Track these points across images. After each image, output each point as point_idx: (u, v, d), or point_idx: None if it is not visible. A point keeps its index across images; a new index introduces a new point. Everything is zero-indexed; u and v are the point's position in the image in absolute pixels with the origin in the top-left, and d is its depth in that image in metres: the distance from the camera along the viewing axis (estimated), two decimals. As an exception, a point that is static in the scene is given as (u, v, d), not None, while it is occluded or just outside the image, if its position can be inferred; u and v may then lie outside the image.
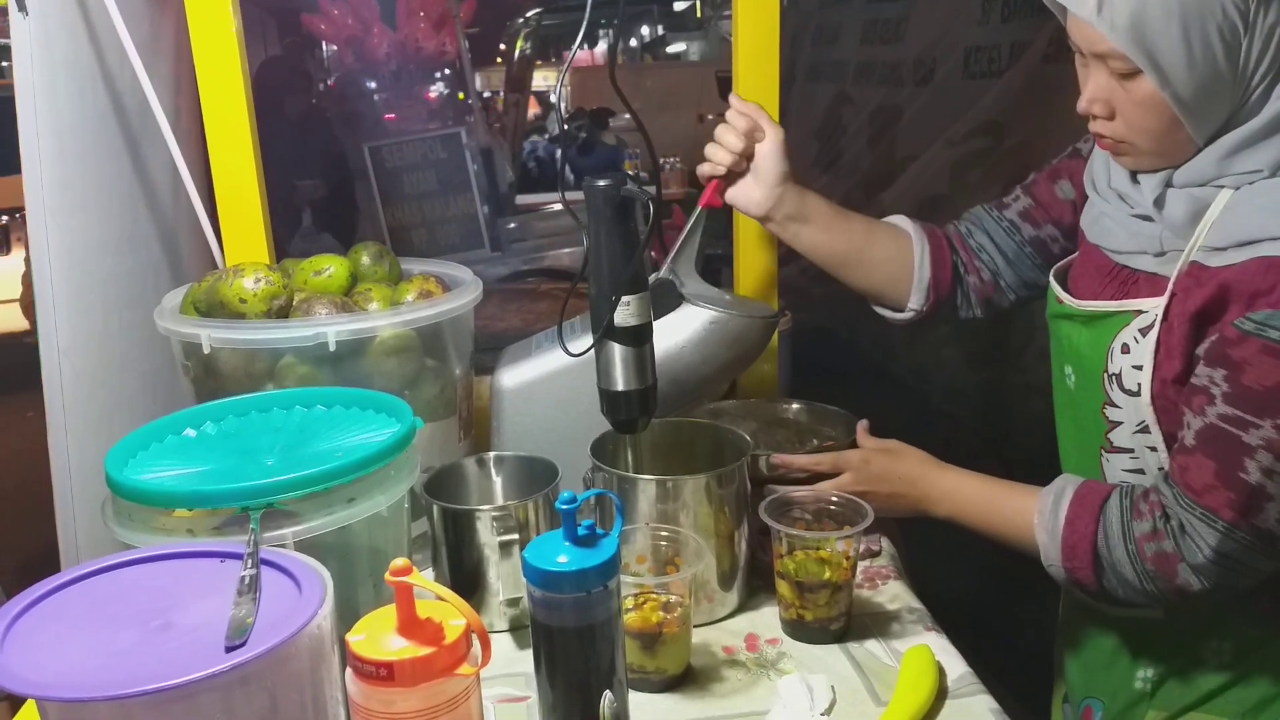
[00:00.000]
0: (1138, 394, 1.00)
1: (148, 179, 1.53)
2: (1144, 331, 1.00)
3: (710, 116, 8.80)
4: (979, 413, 2.51)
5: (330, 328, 1.14)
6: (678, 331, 1.21)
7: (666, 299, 1.21)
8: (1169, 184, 0.99)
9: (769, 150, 1.23)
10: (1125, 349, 1.01)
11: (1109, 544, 0.99)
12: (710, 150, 1.25)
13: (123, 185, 1.47)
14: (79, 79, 1.35)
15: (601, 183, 0.97)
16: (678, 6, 12.61)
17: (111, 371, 1.38)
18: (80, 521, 1.30)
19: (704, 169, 1.26)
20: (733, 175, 1.25)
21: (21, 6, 1.21)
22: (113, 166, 1.44)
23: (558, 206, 4.56)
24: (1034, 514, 1.04)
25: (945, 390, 2.68)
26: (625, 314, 1.00)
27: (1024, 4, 2.35)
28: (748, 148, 1.23)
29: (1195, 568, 0.95)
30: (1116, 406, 1.04)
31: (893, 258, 1.26)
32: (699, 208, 1.27)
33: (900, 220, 1.30)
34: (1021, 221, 1.24)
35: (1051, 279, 1.15)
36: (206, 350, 1.14)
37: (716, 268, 1.97)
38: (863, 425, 1.25)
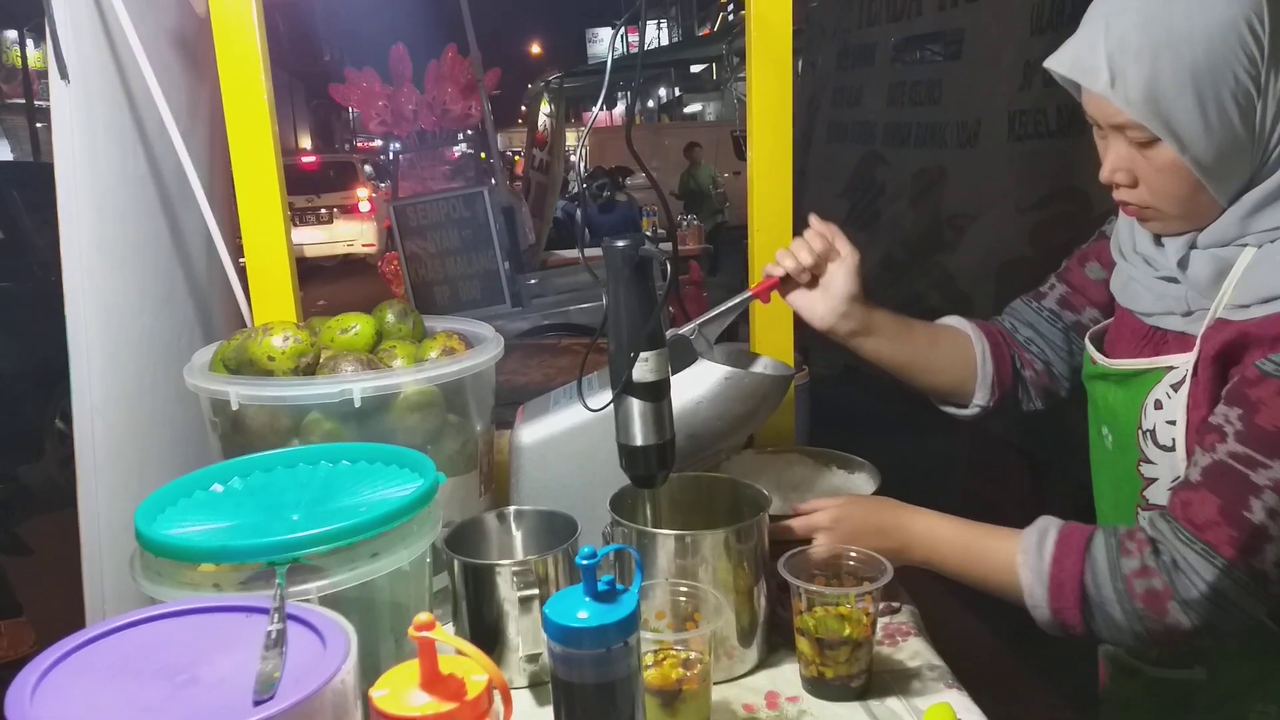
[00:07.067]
0: (1172, 449, 1.01)
1: (182, 240, 1.57)
2: (1175, 387, 1.01)
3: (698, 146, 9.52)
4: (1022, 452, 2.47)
5: (356, 384, 1.15)
6: (694, 387, 1.22)
7: (683, 355, 1.23)
8: (1193, 245, 1.00)
9: (842, 271, 1.24)
10: (1158, 405, 1.02)
11: (1097, 582, 0.98)
12: (781, 254, 1.26)
13: (159, 246, 1.51)
14: (119, 144, 1.40)
15: (620, 243, 0.99)
16: (695, 69, 12.84)
17: (143, 427, 1.40)
18: (108, 576, 1.31)
19: (768, 267, 1.28)
20: (793, 281, 1.27)
21: (64, 74, 1.26)
22: (150, 228, 1.49)
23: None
24: (1016, 554, 1.03)
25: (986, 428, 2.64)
26: (643, 370, 1.02)
27: None
28: (818, 266, 1.25)
29: (1187, 603, 0.94)
30: (1151, 463, 1.04)
31: (955, 360, 1.28)
32: (749, 293, 1.29)
33: (956, 321, 1.32)
34: (1061, 309, 1.26)
35: (1087, 341, 1.17)
36: (235, 407, 1.16)
37: (734, 322, 1.98)
38: (812, 503, 1.19)
